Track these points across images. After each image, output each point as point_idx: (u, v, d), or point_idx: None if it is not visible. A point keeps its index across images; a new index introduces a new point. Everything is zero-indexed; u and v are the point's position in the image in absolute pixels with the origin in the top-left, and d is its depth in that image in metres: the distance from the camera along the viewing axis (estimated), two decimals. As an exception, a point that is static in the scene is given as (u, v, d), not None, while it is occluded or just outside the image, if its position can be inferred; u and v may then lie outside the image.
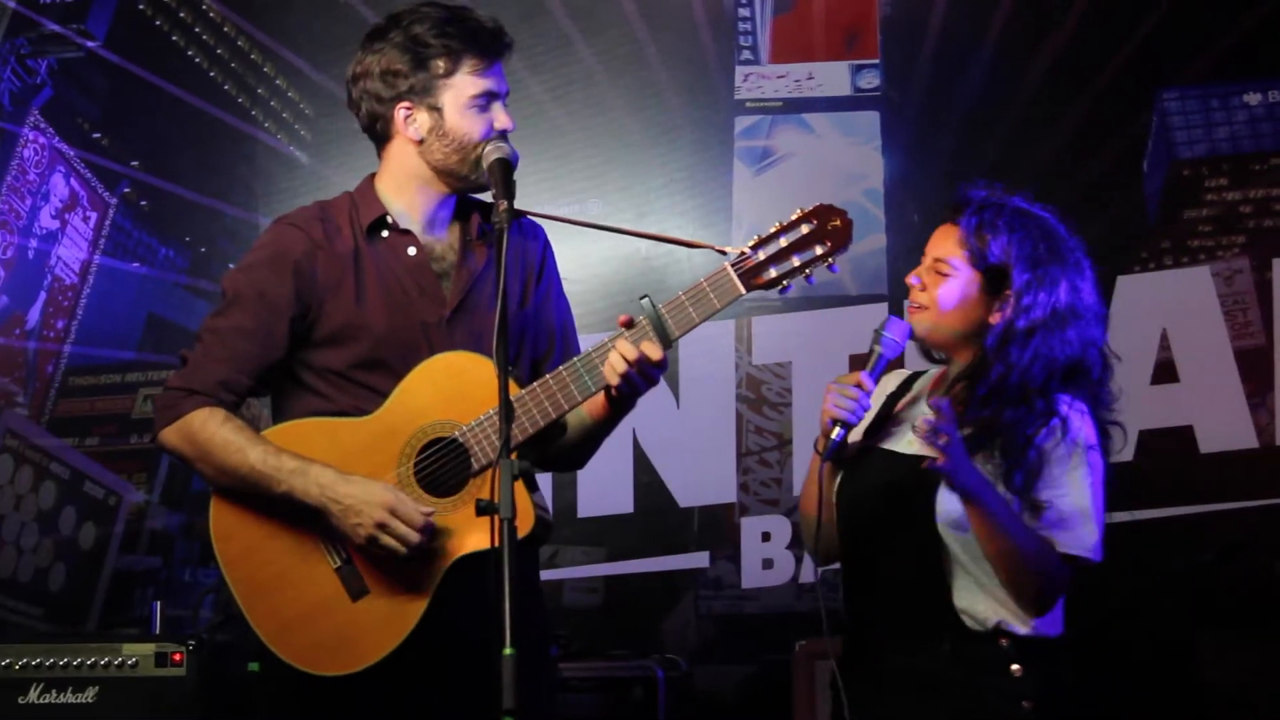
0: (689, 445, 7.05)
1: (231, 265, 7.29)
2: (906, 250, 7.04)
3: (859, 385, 4.17)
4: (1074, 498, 4.20)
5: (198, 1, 7.71)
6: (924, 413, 4.23)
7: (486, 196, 4.30)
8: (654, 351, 3.98)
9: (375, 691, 4.17)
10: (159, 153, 7.73)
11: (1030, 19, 7.07)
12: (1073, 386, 4.25)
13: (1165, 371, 6.79)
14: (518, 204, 4.12)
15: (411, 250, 4.31)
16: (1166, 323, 6.80)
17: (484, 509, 3.50)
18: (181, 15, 7.71)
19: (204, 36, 7.70)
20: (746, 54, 7.36)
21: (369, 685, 4.15)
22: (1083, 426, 4.24)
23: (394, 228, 4.33)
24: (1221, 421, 6.71)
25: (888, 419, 4.38)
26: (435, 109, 4.30)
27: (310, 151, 7.60)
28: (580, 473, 6.44)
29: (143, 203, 7.70)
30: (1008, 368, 4.21)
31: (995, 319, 4.24)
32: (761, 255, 3.94)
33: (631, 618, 7.05)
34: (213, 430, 4.17)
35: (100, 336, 7.63)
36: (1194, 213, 6.90)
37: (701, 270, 6.97)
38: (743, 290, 3.98)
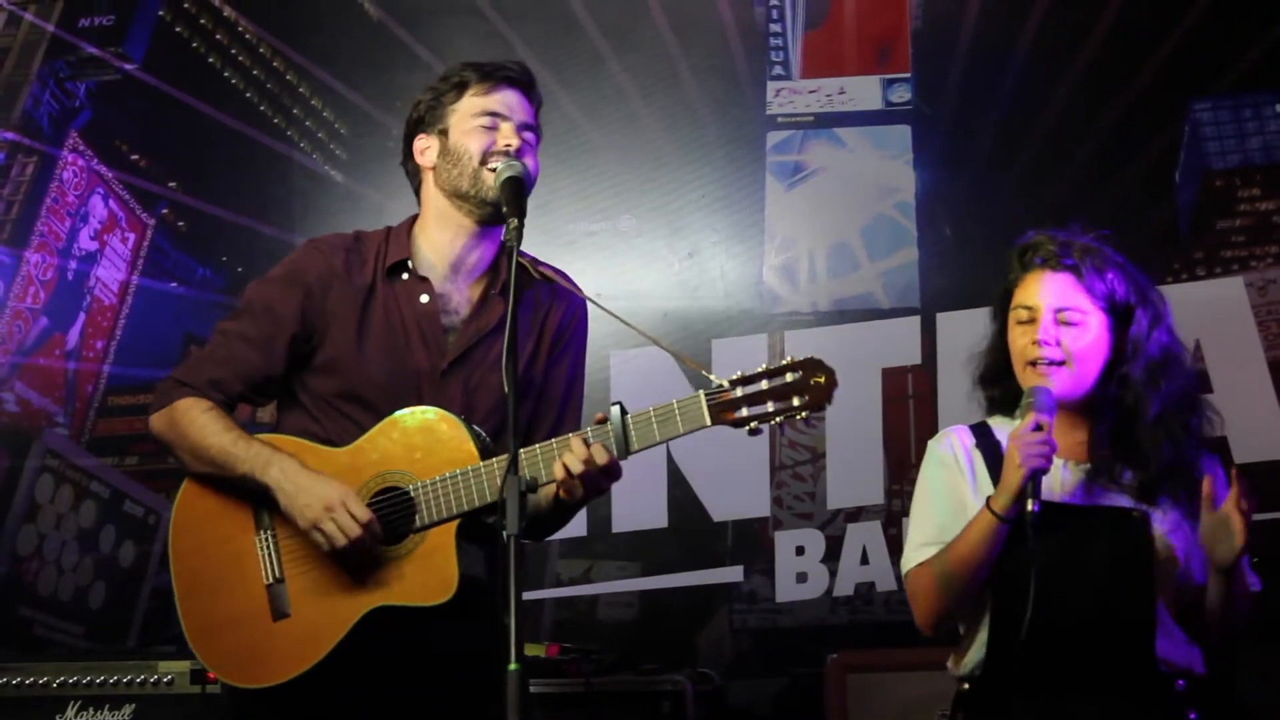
0: (722, 459, 7.04)
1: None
2: (938, 264, 7.05)
3: (1041, 428, 4.17)
4: None
5: (233, 23, 7.76)
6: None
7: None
8: (600, 457, 4.01)
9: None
10: (196, 174, 7.78)
11: (1061, 31, 7.06)
12: (1196, 411, 4.33)
13: (1199, 382, 6.76)
14: (554, 241, 4.23)
15: (424, 298, 4.39)
16: (1200, 334, 6.76)
17: (491, 526, 3.57)
18: (218, 37, 7.76)
19: (239, 58, 7.75)
20: (778, 69, 7.37)
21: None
22: (1214, 455, 4.35)
23: (413, 273, 4.41)
24: (1255, 431, 6.68)
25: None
26: (443, 133, 4.44)
27: (345, 171, 7.63)
28: (615, 488, 6.41)
29: (180, 223, 7.75)
30: (1164, 400, 4.28)
31: (1130, 357, 4.29)
32: (739, 393, 3.94)
33: (666, 632, 7.05)
34: (194, 416, 4.29)
35: (139, 356, 7.67)
36: (1227, 223, 6.88)
37: (735, 289, 7.11)
38: (708, 423, 3.98)
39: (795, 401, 3.91)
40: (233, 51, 7.76)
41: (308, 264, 4.43)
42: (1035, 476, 4.13)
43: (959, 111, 7.18)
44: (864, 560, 6.94)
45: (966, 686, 4.41)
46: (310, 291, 4.37)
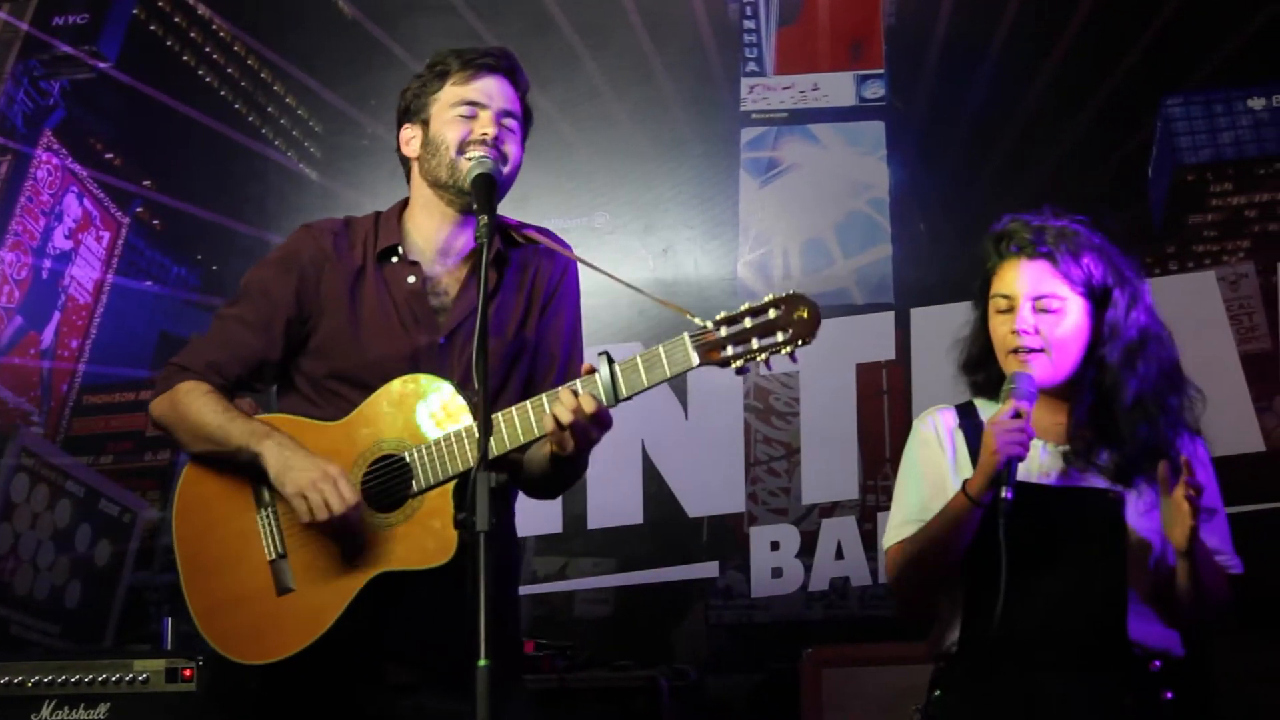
0: (697, 456, 7.06)
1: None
2: (912, 259, 7.07)
3: (1020, 416, 4.19)
4: (1222, 512, 4.37)
5: (208, 21, 7.76)
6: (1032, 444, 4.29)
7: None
8: (589, 406, 4.01)
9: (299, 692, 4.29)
10: (171, 172, 7.78)
11: (1034, 28, 7.08)
12: (1177, 391, 4.35)
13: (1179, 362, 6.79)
14: (535, 221, 4.27)
15: (411, 279, 4.40)
16: (1173, 328, 6.69)
17: (460, 523, 3.58)
18: (192, 35, 7.76)
19: (214, 56, 7.75)
20: (752, 66, 7.38)
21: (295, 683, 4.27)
22: (1200, 440, 4.36)
23: (403, 258, 4.43)
24: (1228, 425, 6.68)
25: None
26: (425, 122, 4.46)
27: (320, 168, 7.63)
28: (590, 484, 6.47)
29: (155, 222, 7.74)
30: (1141, 381, 4.31)
31: (1108, 339, 4.32)
32: (723, 332, 3.93)
33: (641, 628, 7.07)
34: (193, 398, 4.31)
35: (114, 355, 7.67)
36: (1199, 218, 6.90)
37: (709, 285, 7.12)
38: (695, 362, 3.97)
39: (779, 336, 3.88)
40: (207, 50, 7.76)
41: (301, 247, 4.47)
42: (1011, 464, 4.16)
43: (932, 108, 7.20)
44: (839, 555, 6.96)
45: (942, 665, 4.43)
46: (304, 274, 4.41)
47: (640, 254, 7.23)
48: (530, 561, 7.11)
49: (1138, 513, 4.30)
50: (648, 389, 4.05)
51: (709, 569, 7.08)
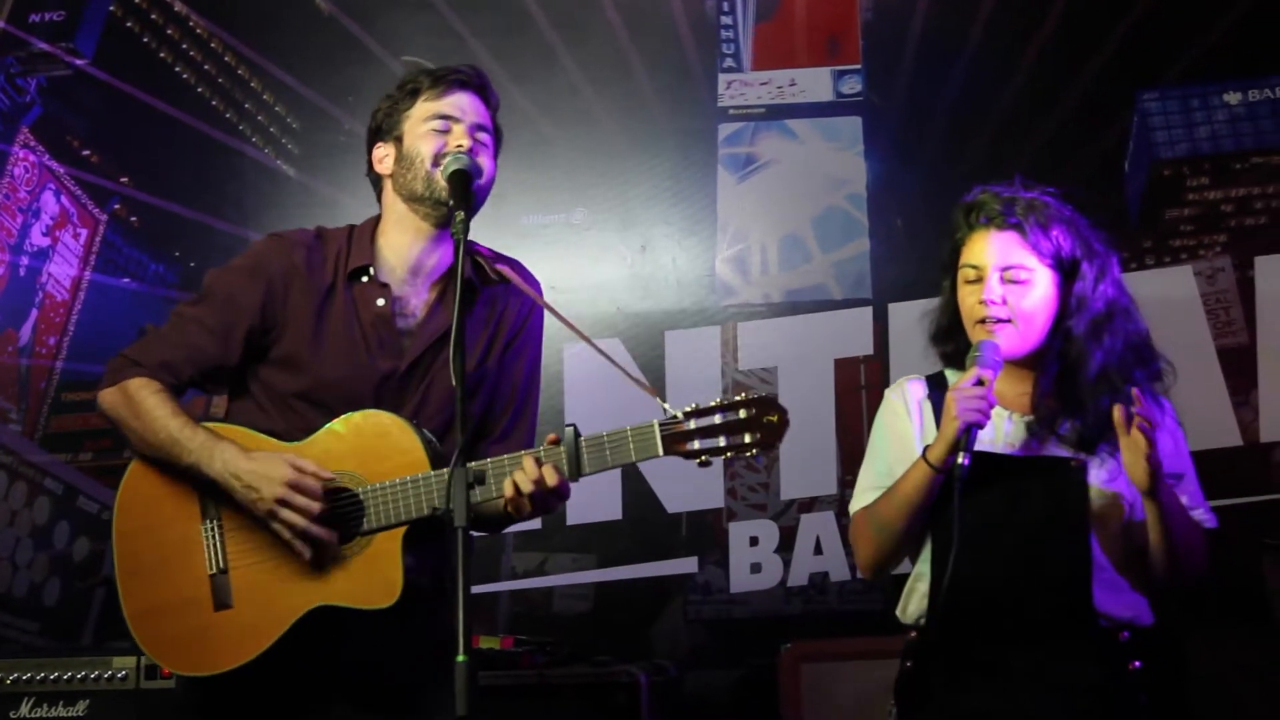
0: (676, 451, 7.07)
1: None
2: (890, 254, 7.08)
3: (982, 383, 4.22)
4: (1191, 472, 4.42)
5: (184, 18, 7.74)
6: (993, 412, 4.31)
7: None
8: (551, 478, 4.04)
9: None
10: (148, 169, 7.75)
11: (1010, 22, 7.09)
12: (1145, 364, 4.39)
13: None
14: (507, 234, 4.30)
15: (380, 302, 4.41)
16: (1149, 322, 6.72)
17: (439, 516, 3.60)
18: (169, 32, 7.74)
19: (191, 53, 7.73)
20: (729, 61, 7.38)
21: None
22: (1166, 402, 4.37)
23: (373, 278, 4.43)
24: (1205, 419, 6.71)
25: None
26: (398, 139, 4.48)
27: (298, 165, 7.62)
28: (569, 480, 6.46)
29: (133, 219, 7.72)
30: (1106, 353, 4.34)
31: (1074, 311, 4.35)
32: (692, 425, 3.97)
33: (621, 623, 7.06)
34: (144, 397, 4.31)
35: (92, 352, 7.63)
36: (1176, 212, 6.92)
37: (687, 281, 7.13)
38: (660, 453, 4.00)
39: (747, 438, 3.95)
40: (184, 46, 7.74)
41: (271, 257, 4.46)
42: (970, 430, 4.18)
43: (909, 102, 7.20)
44: (818, 550, 6.97)
45: (914, 635, 4.45)
46: (272, 285, 4.40)
47: (618, 250, 7.23)
48: (509, 557, 7.11)
49: (1100, 480, 4.32)
50: (610, 469, 4.08)
51: (688, 564, 7.08)
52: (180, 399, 4.39)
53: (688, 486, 7.08)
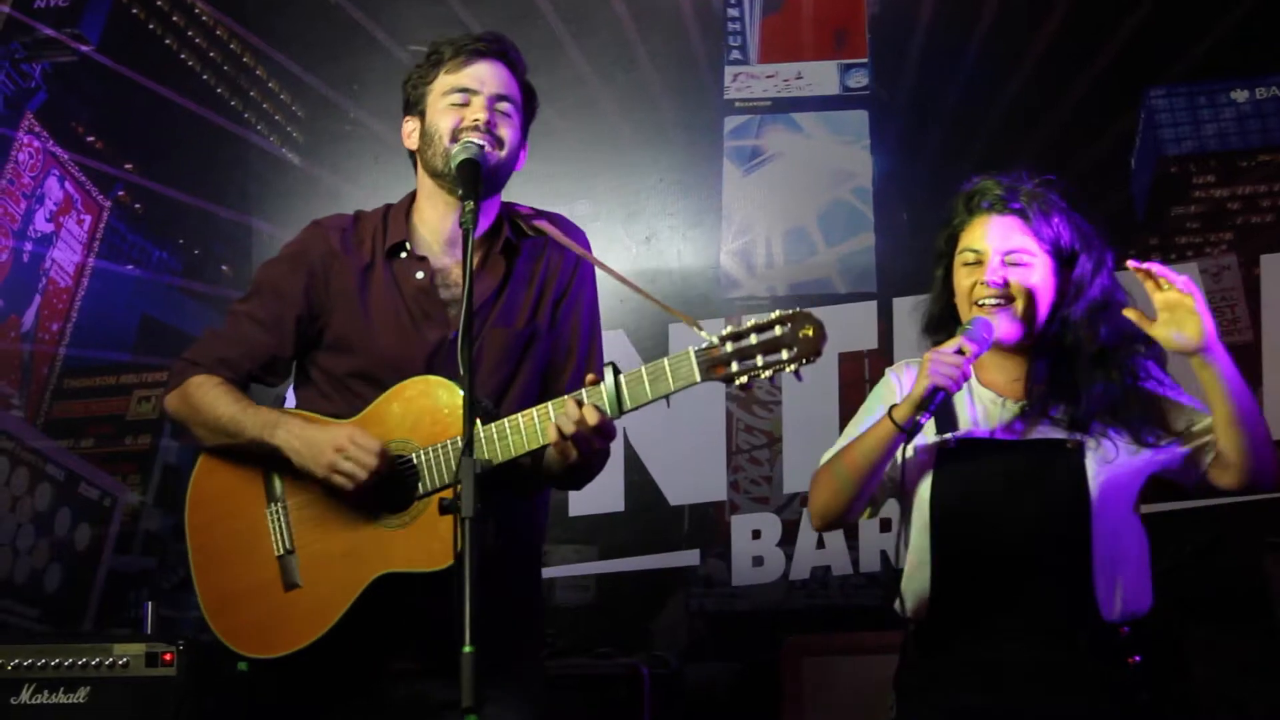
0: (679, 444, 7.06)
1: (224, 267, 7.37)
2: (895, 249, 7.07)
3: (962, 353, 4.21)
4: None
5: (190, 5, 7.73)
6: (985, 397, 4.40)
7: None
8: (592, 417, 4.02)
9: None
10: (152, 156, 7.76)
11: (1017, 18, 7.09)
12: (1146, 343, 4.40)
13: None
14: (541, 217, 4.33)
15: (420, 274, 4.42)
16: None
17: (446, 508, 3.59)
18: (174, 19, 7.74)
19: (196, 40, 7.73)
20: (736, 54, 7.38)
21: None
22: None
23: (411, 253, 4.45)
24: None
25: (949, 413, 4.35)
26: (422, 113, 4.47)
27: (302, 153, 7.62)
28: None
29: (136, 205, 7.72)
30: (1103, 340, 4.35)
31: (1073, 298, 4.36)
32: (729, 348, 3.93)
33: (623, 615, 7.07)
34: (206, 390, 4.37)
35: (95, 339, 7.65)
36: (1182, 209, 6.92)
37: (691, 273, 7.12)
38: (698, 378, 3.96)
39: (784, 354, 3.88)
40: (189, 34, 7.74)
41: (311, 244, 4.50)
42: (936, 392, 4.18)
43: (916, 97, 7.20)
44: (820, 544, 6.97)
45: (912, 629, 4.42)
46: (314, 272, 4.44)
47: (623, 242, 7.23)
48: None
49: (1097, 461, 4.31)
50: (651, 402, 4.05)
51: (690, 557, 7.09)
52: (245, 392, 4.43)
53: (690, 479, 7.09)
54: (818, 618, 6.86)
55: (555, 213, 4.62)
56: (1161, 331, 4.23)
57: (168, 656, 5.74)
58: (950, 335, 4.42)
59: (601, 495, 7.06)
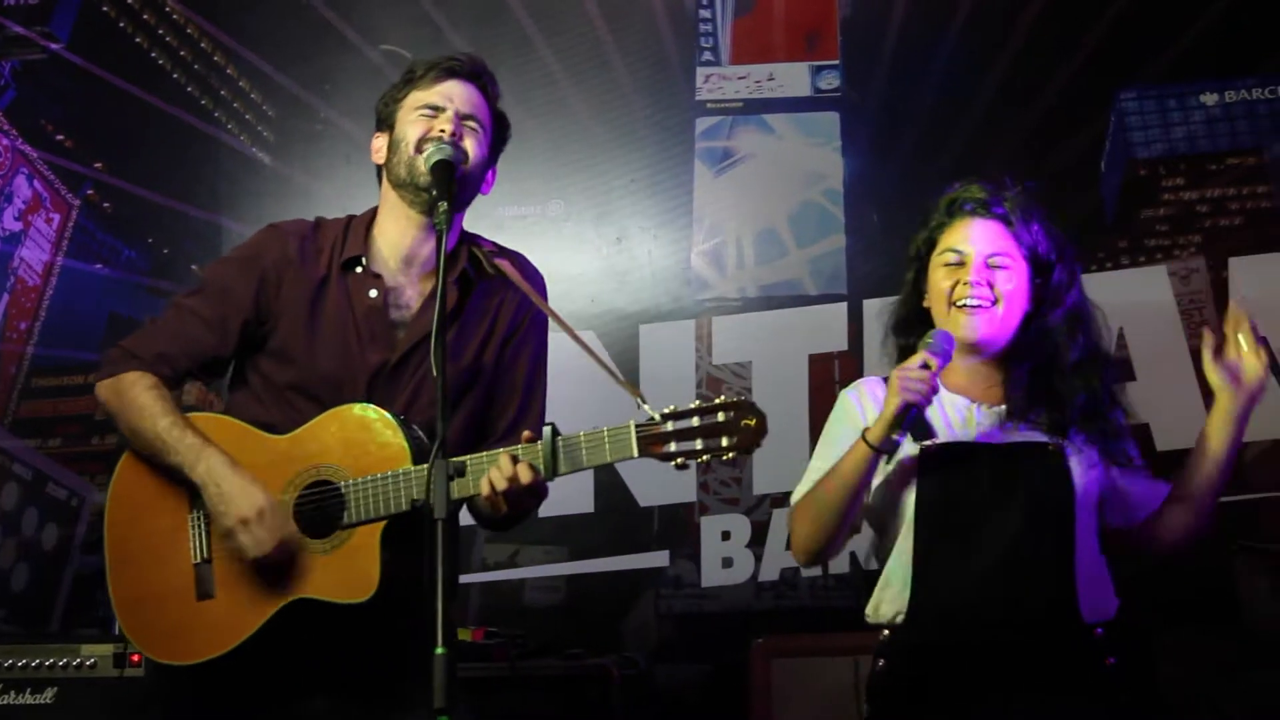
0: (649, 445, 7.06)
1: (194, 267, 7.35)
2: (865, 250, 7.08)
3: (928, 367, 4.21)
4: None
5: (161, 4, 7.71)
6: (955, 403, 4.39)
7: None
8: (525, 475, 4.03)
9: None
10: (122, 154, 7.73)
11: (988, 20, 7.11)
12: (1113, 369, 4.50)
13: (1122, 370, 6.82)
14: (483, 225, 4.41)
15: (373, 293, 4.41)
16: (1124, 321, 6.82)
17: (419, 508, 3.60)
18: (145, 18, 7.71)
19: (167, 39, 7.70)
20: (707, 55, 7.38)
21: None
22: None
23: (366, 269, 4.43)
24: (1178, 419, 6.70)
25: (923, 424, 4.36)
26: (391, 127, 4.48)
27: (273, 153, 7.60)
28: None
29: (106, 204, 7.70)
30: (1080, 348, 4.39)
31: (1051, 305, 4.40)
32: (669, 427, 3.95)
33: (592, 616, 7.05)
34: (138, 392, 4.32)
35: (63, 338, 7.62)
36: (1151, 212, 6.93)
37: (662, 274, 7.12)
38: (635, 454, 3.98)
39: (724, 442, 3.92)
40: (160, 32, 7.71)
41: (266, 249, 4.48)
42: (909, 410, 4.18)
43: (887, 99, 7.21)
44: (789, 546, 6.94)
45: (887, 634, 4.41)
46: (265, 277, 4.42)
47: (594, 242, 7.23)
48: (481, 549, 7.10)
49: (1077, 466, 4.33)
50: (586, 469, 4.08)
51: (660, 558, 7.08)
52: (178, 389, 4.42)
53: (660, 481, 7.07)
54: (787, 619, 6.85)
55: (516, 252, 4.61)
56: (1223, 361, 4.32)
57: (135, 658, 5.73)
58: (920, 339, 4.42)
59: (571, 496, 7.05)
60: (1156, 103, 6.97)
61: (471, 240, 4.51)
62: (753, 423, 3.92)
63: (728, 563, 7.04)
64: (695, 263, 7.22)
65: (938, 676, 4.28)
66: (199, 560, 4.28)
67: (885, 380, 4.47)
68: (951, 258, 4.40)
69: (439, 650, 3.43)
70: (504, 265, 4.48)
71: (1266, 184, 6.87)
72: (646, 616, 7.06)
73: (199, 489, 4.24)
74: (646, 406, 3.97)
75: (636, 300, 7.14)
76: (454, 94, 4.44)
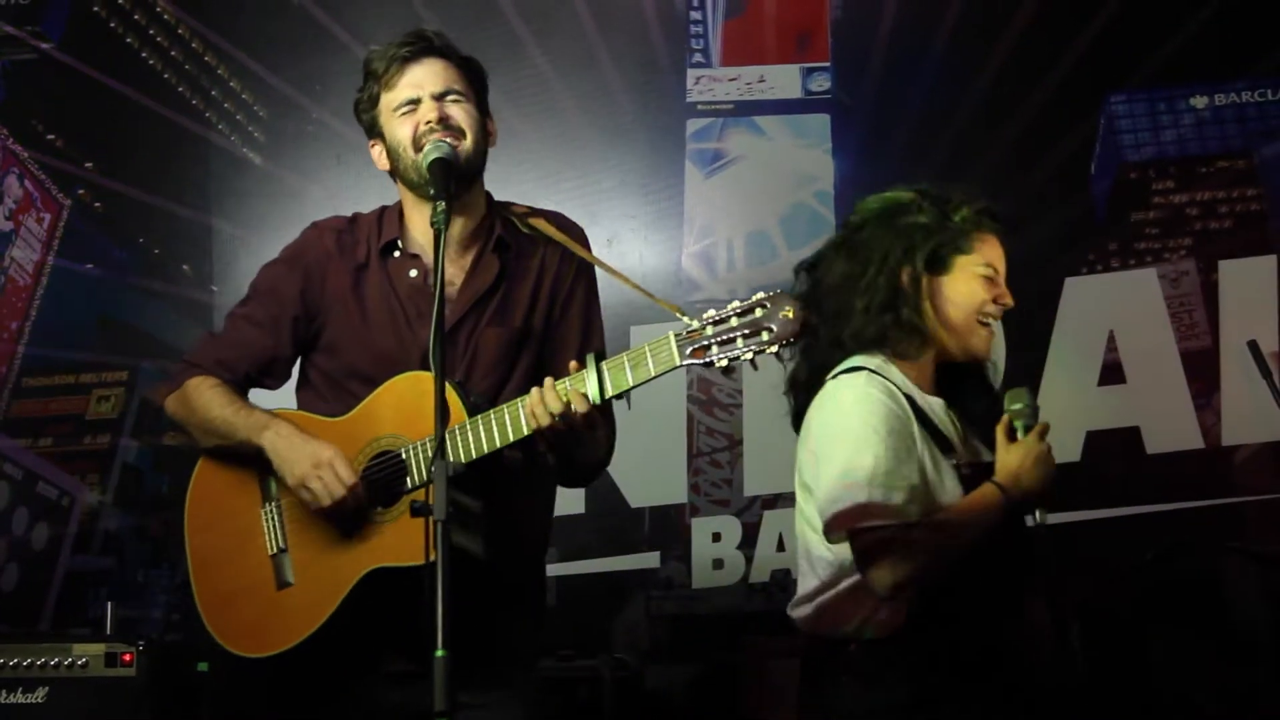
0: (640, 446, 7.02)
1: (184, 267, 7.35)
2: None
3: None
4: None
5: (151, 4, 7.71)
6: (936, 406, 4.36)
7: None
8: (577, 404, 4.03)
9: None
10: (113, 154, 7.72)
11: (979, 23, 7.11)
12: None
13: (1113, 373, 6.83)
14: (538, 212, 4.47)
15: (413, 273, 4.43)
16: (1114, 324, 6.85)
17: (418, 510, 3.60)
18: (136, 18, 7.71)
19: (158, 39, 7.70)
20: (698, 56, 7.38)
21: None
22: None
23: (404, 251, 4.46)
24: (1168, 422, 6.77)
25: (938, 432, 4.33)
26: (381, 134, 4.50)
27: (263, 153, 7.59)
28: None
29: (96, 204, 7.69)
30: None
31: None
32: (710, 331, 3.91)
33: (583, 617, 7.04)
34: (201, 391, 4.40)
35: (54, 337, 7.62)
36: (1141, 215, 6.95)
37: (653, 276, 7.12)
38: (679, 362, 3.94)
39: (765, 336, 3.86)
40: (151, 32, 7.71)
41: (308, 246, 4.53)
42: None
43: (878, 101, 7.22)
44: (780, 547, 6.97)
45: (854, 647, 4.30)
46: (309, 273, 4.47)
47: (592, 227, 7.20)
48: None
49: None
50: (633, 388, 4.04)
51: (650, 559, 7.09)
52: (243, 394, 4.46)
53: (651, 481, 7.09)
54: (777, 620, 6.82)
55: (552, 211, 4.64)
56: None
57: (127, 657, 5.74)
58: (890, 331, 4.35)
59: (562, 497, 6.98)
60: (1146, 106, 6.98)
61: (503, 207, 4.53)
62: (790, 313, 3.84)
63: (718, 564, 7.04)
64: (686, 264, 7.23)
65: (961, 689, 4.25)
66: (275, 551, 4.32)
67: (885, 388, 4.30)
68: (990, 272, 4.37)
69: (439, 653, 3.44)
70: (539, 223, 4.51)
71: (1256, 187, 6.88)
72: (637, 618, 7.06)
73: (269, 477, 4.30)
74: (686, 318, 3.94)
75: (627, 301, 7.12)
76: (421, 78, 4.43)
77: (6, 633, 7.01)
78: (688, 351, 3.93)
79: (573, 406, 4.03)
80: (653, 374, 3.99)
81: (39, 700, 5.77)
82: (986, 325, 4.36)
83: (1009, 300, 4.36)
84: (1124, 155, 6.97)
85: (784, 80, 7.32)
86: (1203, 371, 6.81)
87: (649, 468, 7.09)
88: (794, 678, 4.76)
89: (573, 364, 4.09)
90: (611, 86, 7.40)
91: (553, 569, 7.06)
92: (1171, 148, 6.97)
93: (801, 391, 4.50)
